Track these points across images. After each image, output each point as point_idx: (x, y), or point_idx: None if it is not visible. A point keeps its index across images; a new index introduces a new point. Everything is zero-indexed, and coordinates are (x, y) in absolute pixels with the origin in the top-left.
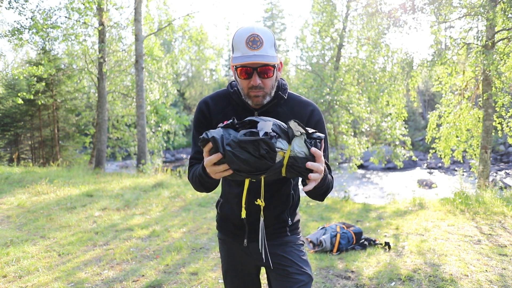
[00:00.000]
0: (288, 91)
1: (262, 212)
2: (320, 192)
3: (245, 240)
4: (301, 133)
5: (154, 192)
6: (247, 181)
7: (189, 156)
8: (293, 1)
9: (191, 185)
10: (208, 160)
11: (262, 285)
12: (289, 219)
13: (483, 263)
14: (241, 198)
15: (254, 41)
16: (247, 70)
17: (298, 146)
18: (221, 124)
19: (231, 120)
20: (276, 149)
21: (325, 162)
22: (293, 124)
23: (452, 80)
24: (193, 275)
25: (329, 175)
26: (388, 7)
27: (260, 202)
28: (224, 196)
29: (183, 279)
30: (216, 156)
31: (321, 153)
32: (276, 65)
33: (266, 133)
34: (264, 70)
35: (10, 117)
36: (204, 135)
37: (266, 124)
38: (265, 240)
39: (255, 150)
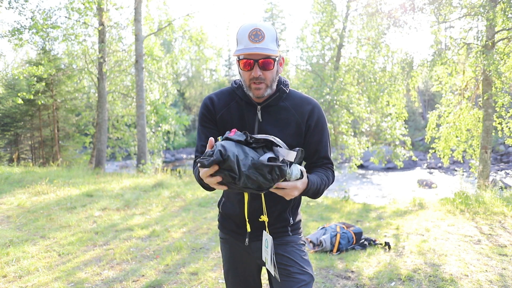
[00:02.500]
0: (290, 88)
1: (267, 228)
2: (307, 195)
3: (247, 239)
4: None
5: (154, 192)
6: (246, 196)
7: (194, 150)
8: (293, 1)
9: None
10: (204, 172)
11: (262, 285)
12: (291, 218)
13: (483, 263)
14: (242, 204)
15: (256, 35)
16: (249, 63)
17: (295, 172)
18: (231, 135)
19: (243, 136)
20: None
21: (325, 157)
22: (299, 153)
23: (452, 80)
24: (193, 275)
25: (318, 180)
26: (388, 7)
27: (264, 217)
28: (226, 195)
29: (183, 279)
30: (212, 169)
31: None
32: (276, 58)
33: (283, 160)
34: (265, 62)
35: (10, 117)
36: (217, 153)
37: (290, 154)
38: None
39: (269, 173)
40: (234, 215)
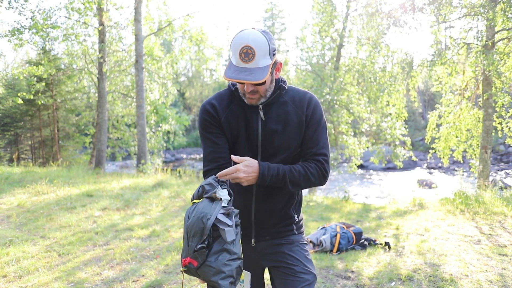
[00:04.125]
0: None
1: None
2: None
3: (253, 240)
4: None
5: (154, 192)
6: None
7: (202, 159)
8: (293, 1)
9: None
10: None
11: (265, 285)
12: (295, 215)
13: (483, 263)
14: (248, 203)
15: (246, 54)
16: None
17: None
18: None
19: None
20: None
21: (317, 153)
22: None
23: (452, 80)
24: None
25: (284, 169)
26: (388, 7)
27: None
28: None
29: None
30: None
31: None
32: (268, 73)
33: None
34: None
35: (10, 117)
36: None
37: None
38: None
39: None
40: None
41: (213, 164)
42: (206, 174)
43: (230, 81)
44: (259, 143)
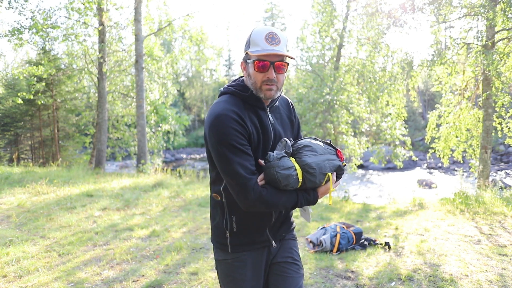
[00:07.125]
0: None
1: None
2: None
3: (273, 242)
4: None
5: (154, 192)
6: None
7: (239, 176)
8: (293, 1)
9: (272, 206)
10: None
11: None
12: (291, 217)
13: (483, 263)
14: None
15: (273, 38)
16: (265, 64)
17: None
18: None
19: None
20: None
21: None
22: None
23: (452, 80)
24: (193, 275)
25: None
26: (388, 7)
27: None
28: (236, 211)
29: (183, 279)
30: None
31: None
32: (289, 63)
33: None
34: (280, 65)
35: (10, 117)
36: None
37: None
38: None
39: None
40: (254, 226)
41: (256, 176)
42: (255, 184)
43: (235, 86)
44: (270, 147)
